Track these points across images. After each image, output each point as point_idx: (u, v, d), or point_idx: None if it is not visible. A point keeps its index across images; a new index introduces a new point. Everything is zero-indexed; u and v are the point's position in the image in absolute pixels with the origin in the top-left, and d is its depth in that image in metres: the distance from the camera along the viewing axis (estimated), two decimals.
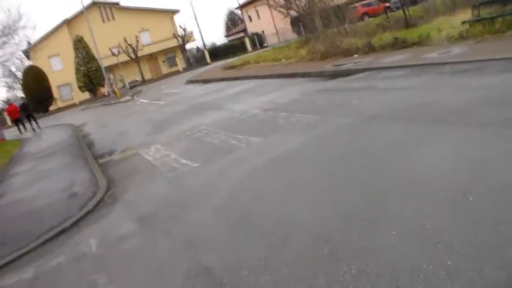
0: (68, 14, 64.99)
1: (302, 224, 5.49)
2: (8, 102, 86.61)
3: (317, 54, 24.62)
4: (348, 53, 22.13)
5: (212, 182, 8.37)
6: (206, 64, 64.58)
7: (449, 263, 3.89)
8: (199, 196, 7.80)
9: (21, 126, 31.58)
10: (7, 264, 7.41)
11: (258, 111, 14.02)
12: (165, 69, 69.73)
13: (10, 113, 32.82)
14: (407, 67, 14.69)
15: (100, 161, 13.82)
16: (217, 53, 70.84)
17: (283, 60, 29.03)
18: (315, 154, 8.33)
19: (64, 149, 18.45)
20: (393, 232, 4.64)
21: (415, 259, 4.07)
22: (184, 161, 10.49)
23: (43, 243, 7.89)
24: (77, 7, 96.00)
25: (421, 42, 18.70)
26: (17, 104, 34.58)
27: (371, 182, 6.19)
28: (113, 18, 67.54)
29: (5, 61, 20.52)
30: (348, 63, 19.28)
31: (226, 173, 8.65)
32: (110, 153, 14.70)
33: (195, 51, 78.47)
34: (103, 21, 66.41)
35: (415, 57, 16.11)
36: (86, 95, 59.48)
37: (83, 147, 17.88)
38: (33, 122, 31.76)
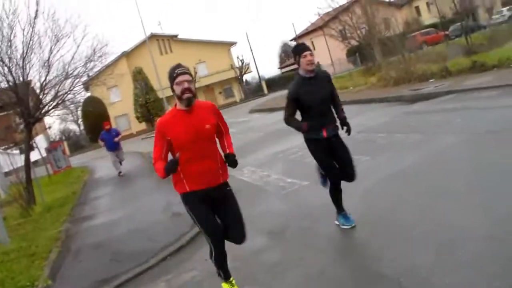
0: (126, 47, 66.07)
1: (464, 228, 5.36)
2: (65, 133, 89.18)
3: (389, 81, 24.38)
4: (423, 78, 21.87)
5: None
6: (263, 95, 64.90)
7: None
8: (327, 210, 7.50)
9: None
10: (133, 278, 7.24)
11: (352, 133, 13.66)
12: (221, 100, 70.31)
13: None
14: (498, 88, 14.42)
15: None
16: (272, 84, 71.14)
17: (351, 88, 28.78)
18: (440, 168, 8.11)
19: (142, 173, 18.57)
20: None
21: None
22: (290, 180, 10.29)
23: (164, 259, 7.72)
24: (135, 40, 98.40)
25: (501, 65, 18.29)
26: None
27: None
28: (171, 51, 68.75)
29: (81, 89, 20.50)
30: (427, 87, 18.95)
31: (347, 188, 8.34)
32: None
33: (244, 83, 78.87)
34: (161, 53, 67.64)
35: (502, 78, 15.73)
36: (143, 125, 60.31)
37: None
38: None
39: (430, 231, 5.52)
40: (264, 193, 10.09)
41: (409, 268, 4.79)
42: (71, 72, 16.52)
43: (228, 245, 6.65)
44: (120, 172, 19.91)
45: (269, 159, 13.58)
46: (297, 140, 15.21)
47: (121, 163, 20.10)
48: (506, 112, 10.89)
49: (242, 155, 15.70)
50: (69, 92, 16.98)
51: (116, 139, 19.19)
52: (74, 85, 16.90)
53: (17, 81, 15.69)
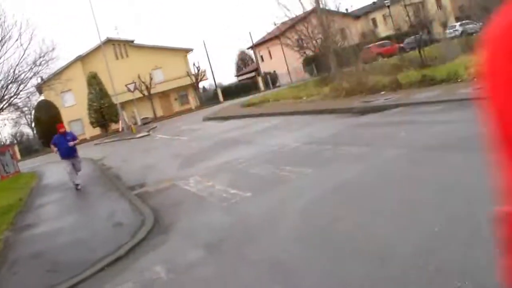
0: (81, 50, 65.17)
1: (393, 244, 5.45)
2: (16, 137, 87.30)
3: (341, 92, 24.67)
4: (374, 90, 22.18)
5: (274, 209, 8.30)
6: (219, 102, 64.84)
7: None
8: (266, 223, 7.60)
9: None
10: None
11: (298, 144, 13.90)
12: (177, 107, 69.90)
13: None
14: (444, 102, 14.74)
15: (134, 192, 13.58)
16: (229, 92, 71.18)
17: (304, 98, 29.07)
18: (378, 182, 8.31)
19: (91, 181, 18.25)
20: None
21: None
22: (233, 191, 10.32)
23: (101, 269, 7.64)
24: (91, 44, 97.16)
25: (449, 79, 18.70)
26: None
27: (447, 206, 6.19)
28: (127, 55, 68.06)
29: (31, 93, 20.10)
30: (377, 100, 19.29)
31: (287, 201, 8.53)
32: (142, 185, 14.54)
33: (201, 90, 78.63)
34: (117, 58, 66.86)
35: (449, 92, 16.16)
36: (97, 130, 59.52)
37: (111, 179, 17.69)
38: None
39: (362, 247, 5.59)
40: (206, 204, 10.08)
41: (338, 285, 4.86)
42: (17, 75, 16.20)
43: (164, 257, 6.65)
44: (77, 185, 16.66)
45: (216, 169, 13.56)
46: (245, 150, 15.34)
47: (77, 174, 17.02)
48: (446, 128, 11.15)
49: (190, 164, 15.71)
50: (15, 96, 16.65)
51: (71, 143, 16.43)
52: (20, 89, 16.56)
53: None
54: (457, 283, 4.20)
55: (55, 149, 16.61)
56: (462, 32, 41.47)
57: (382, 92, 21.19)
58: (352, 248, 5.63)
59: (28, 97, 17.96)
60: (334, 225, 6.67)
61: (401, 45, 42.96)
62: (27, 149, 65.10)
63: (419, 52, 26.65)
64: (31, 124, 78.12)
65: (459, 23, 46.87)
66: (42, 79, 57.41)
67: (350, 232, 6.21)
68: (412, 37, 36.18)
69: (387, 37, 52.25)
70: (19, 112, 62.42)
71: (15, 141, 79.99)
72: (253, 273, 5.86)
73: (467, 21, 42.08)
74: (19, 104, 18.69)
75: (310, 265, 5.54)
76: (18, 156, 49.98)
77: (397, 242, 5.48)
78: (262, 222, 7.77)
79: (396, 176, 8.37)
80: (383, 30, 64.94)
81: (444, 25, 51.18)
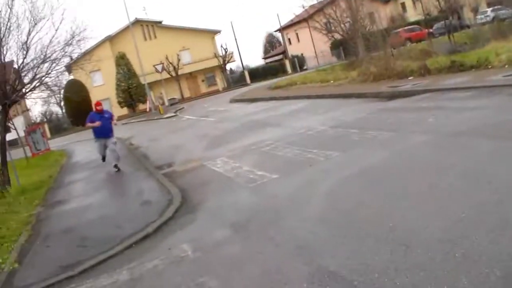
0: (109, 31, 65.51)
1: (419, 230, 5.49)
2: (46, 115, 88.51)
3: (369, 76, 24.54)
4: (402, 75, 22.03)
5: (301, 191, 8.38)
6: (246, 84, 64.89)
7: None
8: (293, 204, 7.67)
9: None
10: (96, 265, 7.31)
11: (325, 128, 13.90)
12: (204, 88, 70.14)
13: None
14: (474, 89, 14.60)
15: (162, 171, 13.74)
16: (256, 74, 71.12)
17: (332, 81, 28.93)
18: (405, 168, 8.34)
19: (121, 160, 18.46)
20: None
21: None
22: (260, 173, 10.41)
23: (129, 246, 7.80)
24: (120, 25, 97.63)
25: (479, 66, 18.49)
26: None
27: (474, 193, 6.23)
28: (155, 37, 68.34)
29: (60, 72, 20.25)
30: (405, 85, 19.14)
31: (314, 183, 8.58)
32: (169, 165, 14.70)
33: (228, 72, 78.67)
34: (145, 39, 67.17)
35: (478, 79, 16.03)
36: (125, 110, 60.00)
37: (139, 158, 17.90)
38: None
39: (387, 232, 5.62)
40: (233, 185, 10.19)
41: (362, 268, 4.87)
42: (49, 55, 16.40)
43: (192, 236, 6.76)
44: (104, 157, 16.52)
45: (242, 151, 13.65)
46: (271, 132, 15.40)
47: (116, 156, 15.59)
48: (476, 114, 11.08)
49: (217, 145, 15.83)
50: (46, 76, 16.87)
51: (114, 122, 16.04)
52: (52, 68, 16.77)
53: None
54: (485, 270, 4.22)
55: (97, 123, 15.21)
56: (494, 18, 40.72)
57: (410, 78, 21.06)
58: (377, 232, 5.67)
59: (58, 76, 18.29)
60: (360, 209, 6.72)
61: (430, 30, 42.41)
62: (57, 128, 65.96)
63: (449, 37, 26.31)
64: (60, 103, 79.20)
65: (490, 8, 45.97)
66: (72, 58, 57.88)
67: (376, 216, 6.24)
68: (442, 22, 35.71)
69: (416, 22, 51.50)
70: (49, 91, 63.09)
71: (45, 120, 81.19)
72: (279, 253, 5.92)
73: (499, 6, 41.21)
74: (49, 83, 18.74)
75: (335, 248, 5.60)
76: (48, 134, 50.69)
77: (423, 228, 5.50)
78: (289, 204, 7.84)
79: (423, 161, 8.36)
80: (412, 15, 64.05)
81: (475, 11, 50.24)
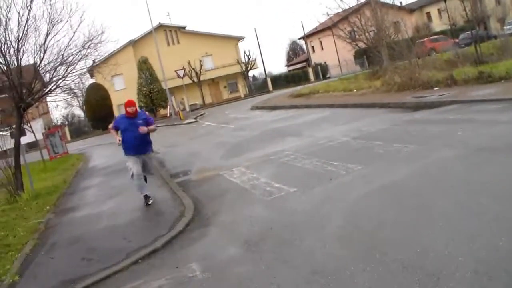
0: (133, 35, 65.68)
1: (451, 259, 4.93)
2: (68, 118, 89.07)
3: (393, 86, 23.94)
4: (427, 85, 21.42)
5: (320, 208, 7.87)
6: (268, 92, 64.56)
7: None
8: (311, 222, 7.17)
9: None
10: (99, 281, 6.88)
11: (348, 139, 13.34)
12: (225, 95, 69.99)
13: None
14: (504, 101, 13.96)
15: (176, 180, 13.33)
16: (278, 81, 70.90)
17: (355, 90, 28.35)
18: (432, 185, 7.75)
19: None
20: None
21: None
22: (277, 185, 9.93)
23: (135, 262, 7.35)
24: (143, 29, 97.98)
25: (509, 77, 17.87)
26: None
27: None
28: (178, 42, 68.38)
29: (82, 75, 20.02)
30: (431, 96, 18.55)
31: (334, 199, 8.07)
32: (185, 173, 14.29)
33: (251, 79, 78.47)
34: (168, 44, 67.28)
35: (509, 91, 15.30)
36: None
37: (154, 165, 17.48)
38: None
39: (414, 258, 5.10)
40: (250, 197, 9.70)
41: None
42: (66, 58, 16.11)
43: (202, 253, 6.29)
44: (148, 198, 10.95)
45: (261, 161, 13.15)
46: (292, 142, 14.88)
47: (146, 179, 11.22)
48: (508, 128, 10.50)
49: (235, 154, 15.37)
50: (63, 79, 16.57)
51: (145, 128, 10.58)
52: (68, 71, 16.48)
53: (11, 65, 15.34)
54: None
55: (118, 137, 10.77)
56: None
57: (436, 88, 20.43)
58: (404, 258, 5.13)
59: (80, 79, 18.13)
60: (383, 230, 6.18)
61: (456, 40, 41.65)
62: (77, 131, 66.40)
63: (475, 48, 25.59)
64: (82, 106, 79.57)
65: None
66: (94, 62, 58.09)
67: (401, 239, 5.70)
68: (468, 32, 35.00)
69: (442, 32, 50.74)
70: (71, 94, 63.57)
71: (66, 122, 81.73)
72: (293, 277, 5.43)
73: None
74: (71, 85, 18.53)
75: (355, 275, 5.08)
76: (68, 137, 50.85)
77: (455, 256, 4.95)
78: (306, 221, 7.33)
79: (452, 179, 7.77)
80: (438, 24, 63.24)
81: (502, 21, 49.31)
